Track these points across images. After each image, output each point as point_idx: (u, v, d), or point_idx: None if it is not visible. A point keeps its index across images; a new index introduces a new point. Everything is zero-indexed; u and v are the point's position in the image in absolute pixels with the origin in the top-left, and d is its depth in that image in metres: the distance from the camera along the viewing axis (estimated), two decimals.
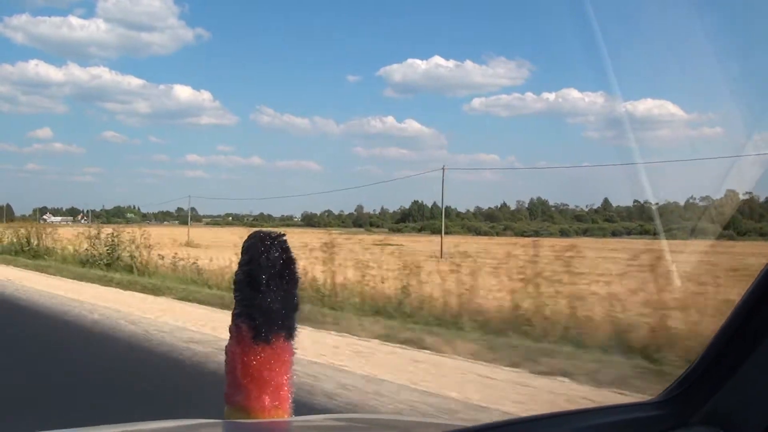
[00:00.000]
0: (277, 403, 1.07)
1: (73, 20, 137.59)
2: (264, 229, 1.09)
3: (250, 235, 1.09)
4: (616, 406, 1.13)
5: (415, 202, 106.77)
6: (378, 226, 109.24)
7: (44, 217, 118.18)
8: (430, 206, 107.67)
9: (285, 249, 1.07)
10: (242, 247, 1.09)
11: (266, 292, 1.05)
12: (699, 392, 1.04)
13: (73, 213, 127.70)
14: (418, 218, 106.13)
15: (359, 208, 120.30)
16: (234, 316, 1.08)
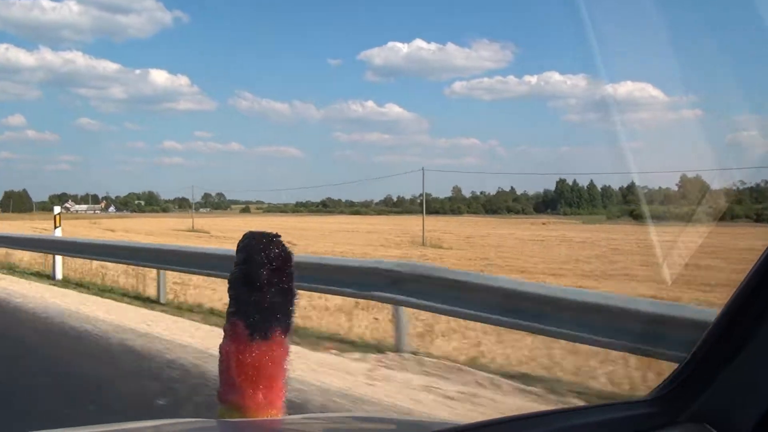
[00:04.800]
0: (271, 400, 1.08)
1: (45, 2, 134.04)
2: (257, 230, 1.11)
3: (245, 235, 1.12)
4: (606, 405, 1.13)
5: (561, 181, 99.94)
6: (517, 212, 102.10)
7: (66, 205, 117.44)
8: (585, 186, 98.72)
9: (282, 247, 1.10)
10: (237, 247, 1.12)
11: (265, 289, 1.07)
12: (689, 390, 1.04)
13: (94, 200, 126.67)
14: (571, 201, 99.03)
15: (456, 189, 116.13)
16: (229, 315, 1.10)
